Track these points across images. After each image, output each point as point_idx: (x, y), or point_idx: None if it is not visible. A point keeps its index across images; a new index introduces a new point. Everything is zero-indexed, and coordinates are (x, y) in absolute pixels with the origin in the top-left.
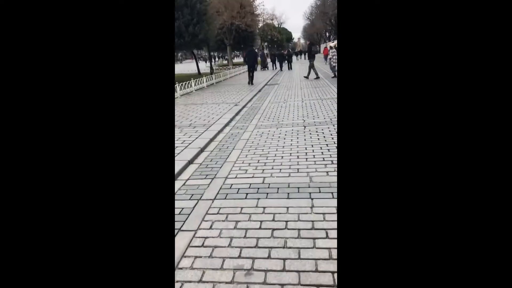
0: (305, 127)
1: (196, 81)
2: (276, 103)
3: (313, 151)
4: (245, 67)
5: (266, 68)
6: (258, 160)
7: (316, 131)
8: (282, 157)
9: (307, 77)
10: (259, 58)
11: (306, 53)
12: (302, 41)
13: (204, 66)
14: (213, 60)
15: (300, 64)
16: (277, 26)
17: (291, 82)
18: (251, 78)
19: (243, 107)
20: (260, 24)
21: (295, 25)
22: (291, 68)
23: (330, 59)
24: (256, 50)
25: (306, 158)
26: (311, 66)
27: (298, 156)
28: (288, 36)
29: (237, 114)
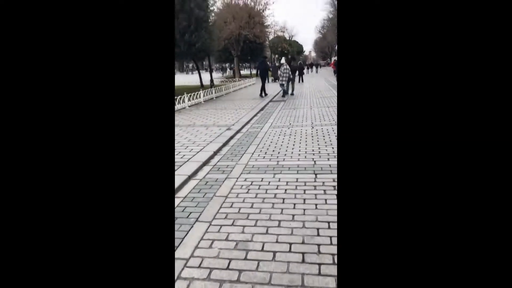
0: (315, 174)
1: (190, 95)
2: (278, 128)
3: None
4: (253, 80)
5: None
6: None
7: (335, 188)
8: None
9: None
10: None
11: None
12: (313, 54)
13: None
14: (221, 71)
15: (310, 77)
16: (288, 38)
17: (300, 98)
18: (262, 90)
19: (237, 132)
20: (271, 36)
21: (306, 38)
22: (302, 81)
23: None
24: (267, 61)
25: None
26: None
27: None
28: (299, 49)
29: (224, 144)
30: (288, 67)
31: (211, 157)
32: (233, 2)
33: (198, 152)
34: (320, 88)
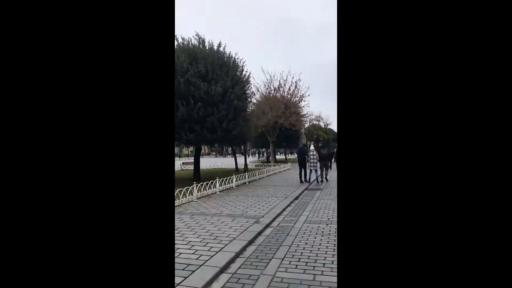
0: None
1: (222, 180)
2: (315, 224)
3: None
4: (288, 165)
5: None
6: None
7: None
8: None
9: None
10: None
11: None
12: None
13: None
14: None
15: None
16: (323, 126)
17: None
18: (302, 176)
19: (266, 226)
20: (307, 124)
21: None
22: (330, 168)
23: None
24: (305, 148)
25: None
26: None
27: None
28: (334, 136)
29: (250, 243)
30: (315, 153)
31: (232, 260)
32: (271, 95)
33: (217, 252)
34: None
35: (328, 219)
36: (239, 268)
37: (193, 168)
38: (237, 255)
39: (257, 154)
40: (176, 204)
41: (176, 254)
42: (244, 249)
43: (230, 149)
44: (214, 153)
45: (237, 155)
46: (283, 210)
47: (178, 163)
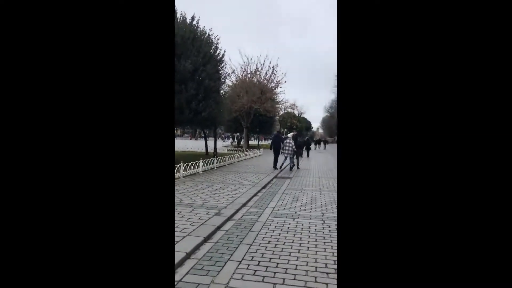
0: None
1: (187, 165)
2: (280, 218)
3: None
4: (260, 151)
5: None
6: None
7: None
8: None
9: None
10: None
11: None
12: (321, 131)
13: (220, 145)
14: (232, 140)
15: (317, 153)
16: (297, 115)
17: (308, 176)
18: (275, 162)
19: (228, 219)
20: (281, 112)
21: (315, 116)
22: (308, 156)
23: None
24: (281, 135)
25: None
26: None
27: None
28: (307, 125)
29: (206, 240)
30: (291, 141)
31: (180, 263)
32: (247, 79)
33: None
34: (329, 166)
35: (296, 212)
36: (186, 274)
37: None
38: (188, 255)
39: (230, 139)
40: None
41: None
42: (197, 247)
43: (210, 131)
44: (187, 135)
45: (210, 138)
46: (249, 200)
47: None
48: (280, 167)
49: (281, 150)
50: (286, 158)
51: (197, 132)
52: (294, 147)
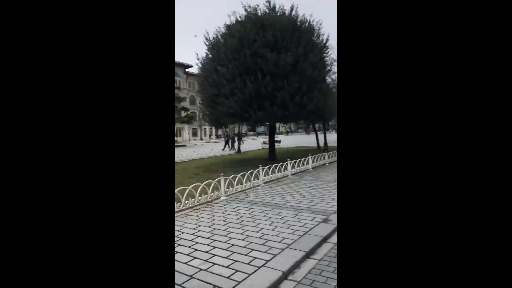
0: None
1: (295, 162)
2: None
3: None
4: None
5: None
6: None
7: None
8: None
9: None
10: None
11: None
12: None
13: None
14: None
15: None
16: None
17: None
18: None
19: (336, 230)
20: None
21: None
22: None
23: None
24: None
25: None
26: None
27: None
28: None
29: (308, 255)
30: None
31: (275, 286)
32: None
33: (255, 270)
34: None
35: None
36: None
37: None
38: (285, 276)
39: None
40: (240, 189)
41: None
42: (297, 265)
43: (317, 125)
44: (301, 130)
45: (323, 132)
46: None
47: (259, 142)
48: None
49: None
50: None
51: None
52: None
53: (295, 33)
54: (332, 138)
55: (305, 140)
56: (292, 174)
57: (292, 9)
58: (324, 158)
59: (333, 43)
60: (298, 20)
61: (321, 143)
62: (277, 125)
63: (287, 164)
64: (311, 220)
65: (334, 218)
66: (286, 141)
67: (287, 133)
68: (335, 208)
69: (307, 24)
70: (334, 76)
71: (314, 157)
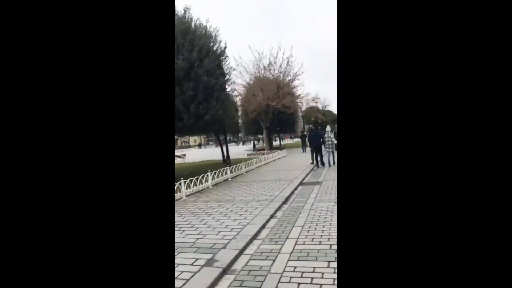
0: None
1: (190, 181)
2: (309, 263)
3: None
4: (283, 152)
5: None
6: None
7: None
8: None
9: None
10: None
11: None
12: None
13: (243, 150)
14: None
15: None
16: (321, 108)
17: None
18: (316, 158)
19: (223, 272)
20: (304, 107)
21: None
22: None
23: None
24: (320, 131)
25: None
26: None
27: None
28: (333, 117)
29: None
30: (332, 135)
31: None
32: (261, 75)
33: None
34: None
35: (331, 246)
36: None
37: None
38: None
39: (253, 141)
40: None
41: None
42: None
43: (222, 138)
44: (212, 143)
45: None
46: (262, 227)
47: None
48: (323, 164)
49: (324, 147)
50: (329, 153)
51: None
52: (335, 141)
53: (187, 35)
54: (238, 150)
55: (213, 153)
56: (187, 196)
57: (185, 11)
58: (226, 173)
59: (232, 51)
60: (193, 23)
61: (231, 155)
62: (186, 137)
63: (180, 184)
64: (191, 264)
65: (222, 256)
66: (195, 155)
67: (199, 145)
68: (226, 240)
69: (204, 31)
70: (234, 86)
71: (215, 173)
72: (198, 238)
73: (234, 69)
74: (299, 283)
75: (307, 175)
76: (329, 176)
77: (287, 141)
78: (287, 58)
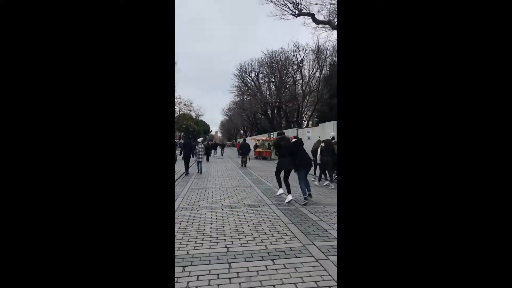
0: None
1: None
2: None
3: None
4: None
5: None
6: None
7: None
8: None
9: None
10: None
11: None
12: (219, 134)
13: None
14: None
15: (215, 158)
16: (194, 117)
17: (209, 181)
18: (186, 168)
19: None
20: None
21: (214, 119)
22: (208, 160)
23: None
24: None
25: None
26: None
27: None
28: (205, 128)
29: None
30: (202, 146)
31: None
32: None
33: None
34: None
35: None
36: None
37: None
38: None
39: None
40: None
41: None
42: None
43: None
44: None
45: None
46: None
47: None
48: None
49: (195, 156)
50: (199, 163)
51: None
52: (204, 151)
53: None
54: None
55: None
56: None
57: None
58: None
59: None
60: None
61: None
62: None
63: None
64: None
65: None
66: None
67: None
68: None
69: None
70: None
71: None
72: None
73: None
74: None
75: (180, 177)
76: (198, 178)
77: None
78: None
